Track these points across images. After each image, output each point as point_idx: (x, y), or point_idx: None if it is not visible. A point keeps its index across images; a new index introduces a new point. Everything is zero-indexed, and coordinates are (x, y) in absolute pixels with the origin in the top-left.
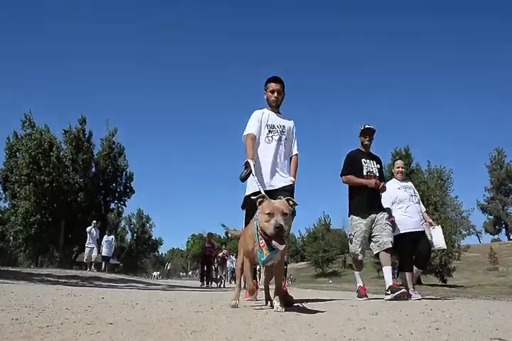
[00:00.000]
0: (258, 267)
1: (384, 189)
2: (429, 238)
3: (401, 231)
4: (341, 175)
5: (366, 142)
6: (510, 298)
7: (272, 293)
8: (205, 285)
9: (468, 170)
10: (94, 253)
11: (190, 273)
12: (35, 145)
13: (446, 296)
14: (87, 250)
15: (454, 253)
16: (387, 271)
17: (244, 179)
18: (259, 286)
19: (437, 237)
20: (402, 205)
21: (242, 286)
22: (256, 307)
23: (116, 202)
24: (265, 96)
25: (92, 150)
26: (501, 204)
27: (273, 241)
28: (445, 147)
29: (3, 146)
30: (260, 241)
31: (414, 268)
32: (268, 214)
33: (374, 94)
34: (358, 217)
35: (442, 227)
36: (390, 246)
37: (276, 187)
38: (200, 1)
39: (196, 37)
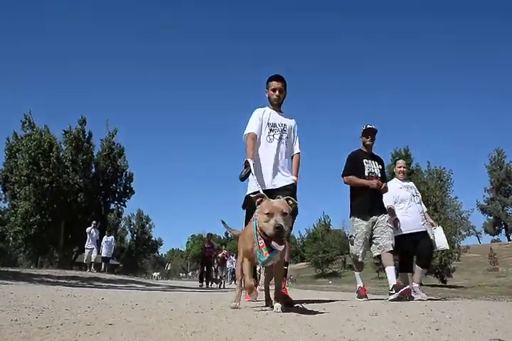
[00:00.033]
0: (258, 268)
1: (386, 190)
2: (431, 238)
3: (400, 233)
4: (343, 176)
5: (368, 142)
6: (510, 299)
7: (271, 294)
8: (204, 286)
9: (468, 171)
10: (94, 254)
11: (190, 273)
12: (35, 146)
13: (446, 297)
14: (86, 251)
15: (453, 253)
16: (390, 271)
17: (243, 178)
18: (259, 287)
19: (439, 238)
20: (404, 205)
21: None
22: (256, 308)
23: (116, 202)
24: (267, 95)
25: (92, 151)
26: (501, 205)
27: (272, 242)
28: (445, 147)
29: (3, 147)
30: (259, 241)
31: (418, 268)
32: (267, 214)
33: (374, 94)
34: (359, 219)
35: (442, 228)
36: (391, 249)
37: (278, 187)
38: (200, 1)
39: (196, 37)
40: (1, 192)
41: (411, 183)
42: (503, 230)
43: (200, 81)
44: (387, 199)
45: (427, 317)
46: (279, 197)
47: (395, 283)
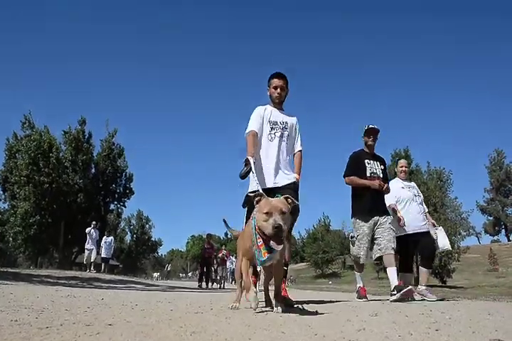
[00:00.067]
0: (259, 268)
1: (388, 190)
2: (434, 237)
3: (402, 233)
4: (344, 176)
5: (370, 142)
6: (509, 299)
7: (271, 294)
8: (204, 286)
9: (467, 171)
10: (94, 255)
11: (190, 274)
12: (35, 147)
13: (446, 297)
14: (86, 251)
15: (453, 254)
16: (391, 272)
17: (243, 176)
18: (259, 287)
19: (442, 238)
20: (405, 205)
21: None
22: (256, 309)
23: (115, 203)
24: (268, 93)
25: (92, 151)
26: (501, 206)
27: (271, 242)
28: (445, 147)
29: (3, 147)
30: (258, 241)
31: (422, 269)
32: (266, 213)
33: (374, 94)
34: (360, 220)
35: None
36: (392, 252)
37: (280, 185)
38: (200, 1)
39: (196, 37)
40: (1, 192)
41: (413, 183)
42: (503, 230)
43: (200, 81)
44: (389, 199)
45: (426, 318)
46: (277, 196)
47: (396, 283)
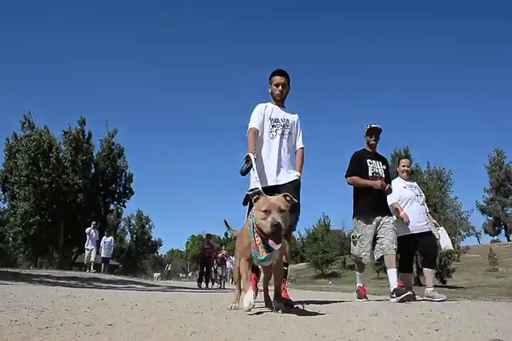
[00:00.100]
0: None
1: (390, 191)
2: (436, 237)
3: (404, 233)
4: (346, 176)
5: (372, 142)
6: (509, 299)
7: (271, 294)
8: (204, 286)
9: (467, 171)
10: (94, 255)
11: (190, 274)
12: (35, 147)
13: (446, 297)
14: (86, 251)
15: (453, 254)
16: (392, 273)
17: (244, 173)
18: (259, 287)
19: (444, 238)
20: (406, 205)
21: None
22: (255, 309)
23: (115, 203)
24: (269, 90)
25: (92, 151)
26: (501, 206)
27: (269, 241)
28: (445, 147)
29: (3, 147)
30: (256, 239)
31: (426, 269)
32: (264, 211)
33: (374, 94)
34: (362, 220)
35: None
36: (394, 252)
37: (281, 183)
38: (200, 1)
39: (196, 37)
40: (1, 192)
41: (415, 183)
42: (503, 230)
43: (200, 81)
44: (391, 198)
45: (426, 318)
46: (276, 195)
47: (396, 286)
